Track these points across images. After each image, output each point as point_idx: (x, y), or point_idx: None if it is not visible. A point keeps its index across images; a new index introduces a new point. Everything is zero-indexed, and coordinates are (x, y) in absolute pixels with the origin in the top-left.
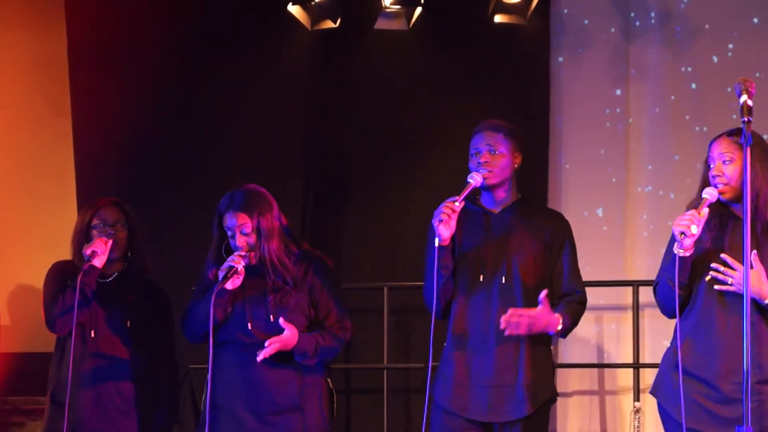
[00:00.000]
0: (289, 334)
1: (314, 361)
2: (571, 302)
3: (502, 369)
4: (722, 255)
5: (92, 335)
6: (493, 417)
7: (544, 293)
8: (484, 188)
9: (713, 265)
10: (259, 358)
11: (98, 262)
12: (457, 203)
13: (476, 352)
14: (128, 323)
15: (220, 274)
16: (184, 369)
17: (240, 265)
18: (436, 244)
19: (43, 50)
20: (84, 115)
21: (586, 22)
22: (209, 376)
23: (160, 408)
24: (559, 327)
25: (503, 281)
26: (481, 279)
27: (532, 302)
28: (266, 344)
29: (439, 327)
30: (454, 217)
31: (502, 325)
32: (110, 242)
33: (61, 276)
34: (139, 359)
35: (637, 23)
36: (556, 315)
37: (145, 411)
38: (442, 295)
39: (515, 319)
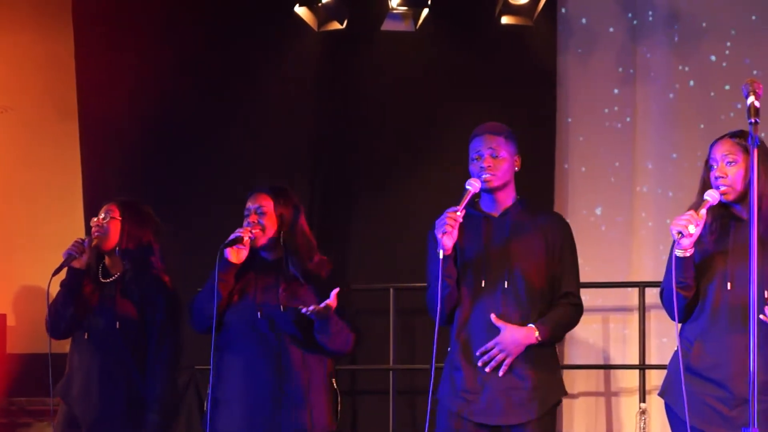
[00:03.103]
0: (332, 304)
1: (331, 344)
2: (560, 306)
3: (510, 372)
4: None
5: (86, 336)
6: (502, 420)
7: (492, 317)
8: (486, 192)
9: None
10: (304, 309)
11: (77, 263)
12: (458, 212)
13: (482, 356)
14: (117, 324)
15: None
16: (189, 370)
17: (246, 236)
18: (441, 256)
19: (50, 52)
20: (90, 117)
21: (590, 22)
22: (211, 360)
23: (152, 409)
24: (536, 335)
25: (506, 286)
26: (483, 284)
27: (535, 306)
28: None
29: (443, 329)
30: (456, 226)
31: (486, 369)
32: (88, 240)
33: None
34: (132, 359)
35: (639, 23)
36: (528, 327)
37: (138, 412)
38: (448, 303)
39: (487, 358)
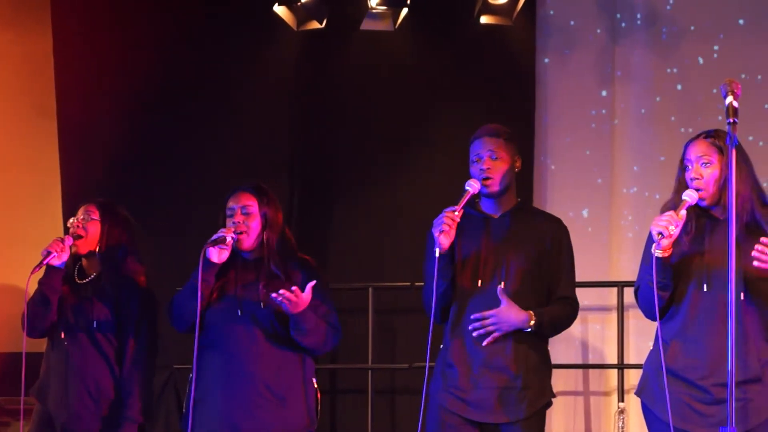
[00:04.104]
0: (306, 297)
1: (307, 341)
2: (559, 303)
3: (500, 372)
4: (763, 239)
5: (62, 336)
6: (491, 417)
7: (499, 288)
8: (486, 195)
9: (756, 252)
10: (273, 294)
11: (56, 261)
12: (456, 212)
13: (476, 355)
14: (95, 324)
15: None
16: (168, 369)
17: (229, 236)
18: (437, 254)
19: (29, 52)
20: (69, 117)
21: (572, 23)
22: (194, 359)
23: (129, 410)
24: (532, 322)
25: (501, 286)
26: (479, 284)
27: (530, 306)
28: (282, 291)
29: (423, 328)
30: (454, 226)
31: (474, 333)
32: (69, 240)
33: None
34: (109, 360)
35: (623, 24)
36: (528, 312)
37: (115, 413)
38: (443, 301)
39: (479, 325)
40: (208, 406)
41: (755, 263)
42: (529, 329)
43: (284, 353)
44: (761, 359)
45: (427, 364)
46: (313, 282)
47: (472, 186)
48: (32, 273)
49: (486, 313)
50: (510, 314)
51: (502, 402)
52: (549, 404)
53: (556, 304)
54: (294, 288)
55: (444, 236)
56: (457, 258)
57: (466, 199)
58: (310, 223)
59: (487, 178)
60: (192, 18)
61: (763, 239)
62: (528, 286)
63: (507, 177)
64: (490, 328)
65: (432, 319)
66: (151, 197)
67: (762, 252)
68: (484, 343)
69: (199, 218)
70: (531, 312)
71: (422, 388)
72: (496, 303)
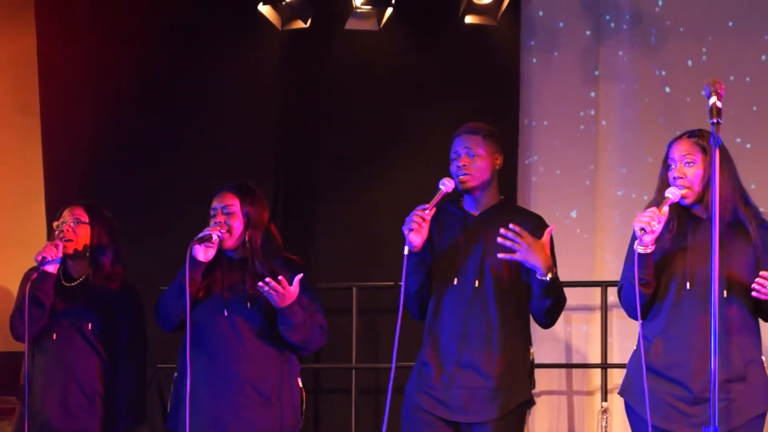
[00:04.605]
0: (294, 290)
1: (294, 337)
2: None
3: (474, 371)
4: (763, 273)
5: (53, 338)
6: (462, 417)
7: (550, 229)
8: (464, 192)
9: (756, 285)
10: (260, 284)
11: (51, 267)
12: (427, 211)
13: (450, 353)
14: (89, 325)
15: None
16: (152, 369)
17: (215, 234)
18: (405, 252)
19: (12, 50)
20: (53, 116)
21: (557, 23)
22: (187, 360)
23: (122, 409)
24: (550, 275)
25: (476, 284)
26: (456, 282)
27: (506, 306)
28: (268, 280)
29: (408, 327)
30: (425, 225)
31: (500, 239)
32: (61, 244)
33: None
34: (103, 361)
35: (612, 25)
36: (550, 264)
37: (109, 412)
38: (418, 298)
39: (511, 234)
40: (193, 406)
41: (753, 294)
42: (546, 278)
43: (270, 352)
44: (744, 358)
45: (393, 361)
46: (301, 275)
47: (446, 185)
48: (30, 280)
49: (522, 232)
50: (540, 250)
51: (474, 402)
52: (529, 403)
53: None
54: (281, 278)
55: (414, 234)
56: (434, 255)
57: (438, 198)
58: (295, 222)
59: (463, 175)
60: (176, 17)
61: (762, 273)
62: (506, 284)
63: (485, 174)
64: (515, 246)
65: (400, 317)
66: (135, 197)
67: (762, 285)
68: (500, 255)
69: (183, 218)
70: (552, 267)
71: (405, 388)
72: (472, 300)
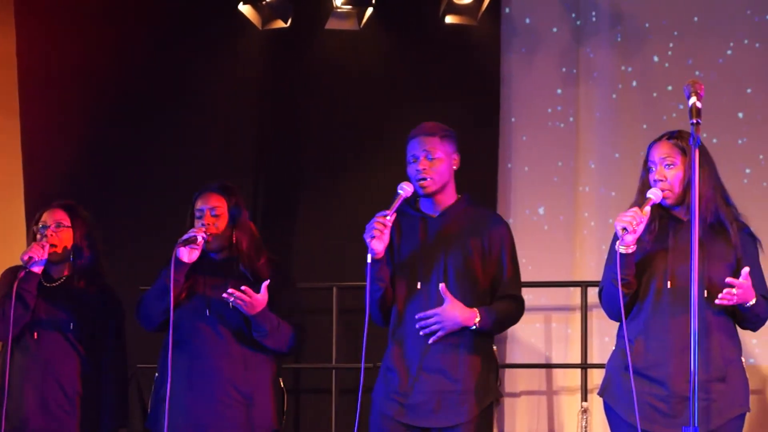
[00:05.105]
0: (261, 297)
1: (269, 341)
2: (505, 301)
3: (441, 374)
4: (728, 280)
5: (35, 337)
6: (432, 422)
7: (441, 287)
8: (425, 196)
9: (723, 295)
10: (225, 294)
11: (37, 268)
12: (388, 217)
13: (415, 357)
14: (71, 326)
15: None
16: (131, 369)
17: (200, 236)
18: (369, 260)
19: None
20: (33, 116)
21: (536, 23)
22: (169, 360)
23: (106, 411)
24: (477, 319)
25: (443, 285)
26: (419, 286)
27: (471, 305)
28: (231, 290)
29: (379, 329)
30: (387, 231)
31: (421, 332)
32: (47, 246)
33: (11, 282)
34: (84, 361)
35: (582, 23)
36: (472, 310)
37: (90, 413)
38: (381, 304)
39: (424, 324)
40: (174, 406)
41: (717, 301)
42: (474, 327)
43: (252, 353)
44: (725, 358)
45: (362, 366)
46: (267, 282)
47: (405, 189)
48: (18, 279)
49: (429, 312)
50: (454, 312)
51: (442, 406)
52: (496, 403)
53: (501, 302)
54: (244, 288)
55: (376, 241)
56: (396, 259)
57: (398, 203)
58: (274, 222)
59: (423, 179)
60: (156, 17)
61: (728, 280)
62: (468, 285)
63: (444, 176)
64: (434, 327)
65: (367, 324)
66: (116, 196)
67: (729, 293)
68: (430, 341)
69: (164, 217)
70: (476, 309)
71: (372, 394)
72: (437, 303)
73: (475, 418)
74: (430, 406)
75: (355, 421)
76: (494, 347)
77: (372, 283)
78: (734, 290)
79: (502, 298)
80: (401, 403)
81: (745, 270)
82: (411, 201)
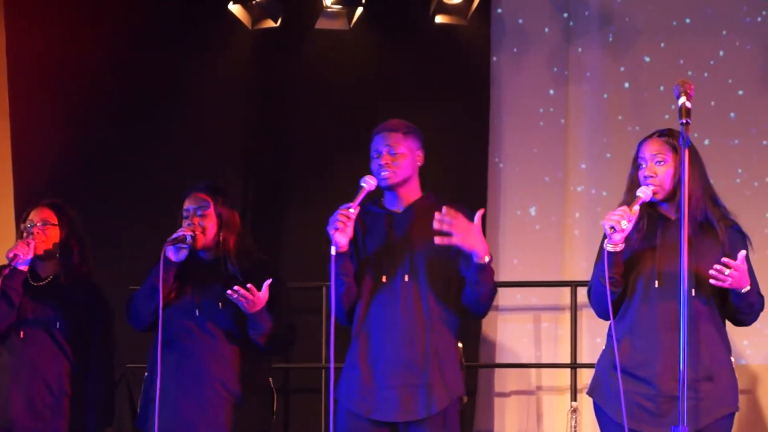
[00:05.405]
0: (263, 296)
1: (264, 340)
2: None
3: (407, 368)
4: (723, 259)
5: (21, 336)
6: (399, 417)
7: (479, 214)
8: (387, 189)
9: (713, 271)
10: (229, 291)
11: (22, 266)
12: (351, 209)
13: (380, 352)
14: (58, 325)
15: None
16: (121, 369)
17: (189, 235)
18: (333, 252)
19: None
20: (22, 116)
21: (526, 22)
22: (158, 359)
23: (93, 410)
24: (487, 258)
25: (406, 279)
26: (384, 280)
27: (437, 300)
28: (236, 288)
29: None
30: (350, 223)
31: (436, 225)
32: (33, 243)
33: None
34: (70, 361)
35: (574, 23)
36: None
37: (76, 413)
38: (345, 300)
39: (448, 218)
40: (164, 405)
41: (711, 281)
42: (482, 262)
43: (241, 352)
44: (713, 357)
45: (332, 365)
46: (270, 280)
47: (368, 183)
48: (2, 276)
49: (459, 216)
50: (479, 233)
51: (408, 400)
52: (462, 400)
53: None
54: (249, 286)
55: (340, 234)
56: (362, 256)
57: (362, 196)
58: (265, 222)
59: (385, 172)
60: (145, 17)
61: (723, 259)
62: (433, 278)
63: (407, 171)
64: (458, 228)
65: (333, 319)
66: (105, 196)
67: (719, 271)
68: (437, 240)
69: (153, 217)
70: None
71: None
72: (403, 298)
73: (441, 413)
74: (395, 401)
75: (330, 421)
76: (460, 345)
77: (336, 278)
78: (727, 270)
79: None
80: (367, 399)
81: (742, 253)
82: (375, 199)
